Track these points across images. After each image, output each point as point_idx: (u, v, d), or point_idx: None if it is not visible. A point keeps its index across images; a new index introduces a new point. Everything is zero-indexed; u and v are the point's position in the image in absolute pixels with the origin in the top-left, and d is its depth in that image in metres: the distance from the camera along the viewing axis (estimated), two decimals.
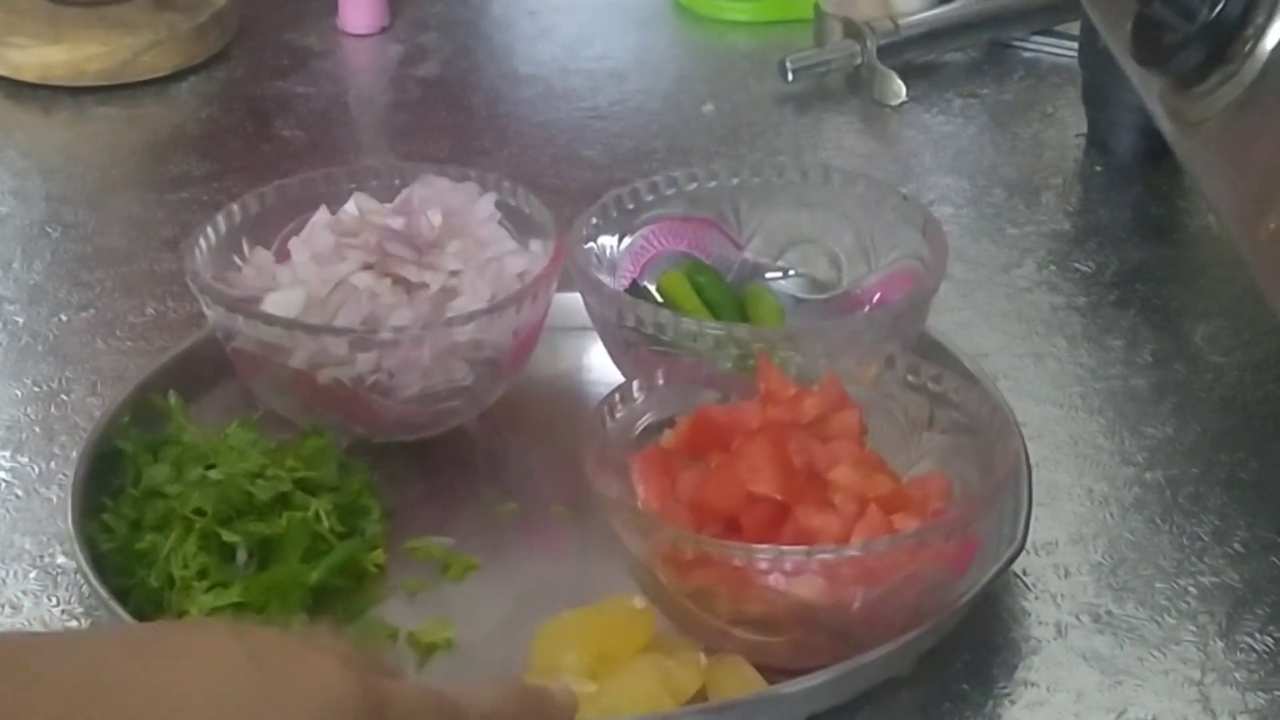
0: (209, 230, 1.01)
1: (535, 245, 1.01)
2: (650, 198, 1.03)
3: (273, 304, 0.97)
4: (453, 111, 1.33)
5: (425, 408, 0.97)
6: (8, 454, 1.00)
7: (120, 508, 0.91)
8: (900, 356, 0.92)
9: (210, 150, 1.28)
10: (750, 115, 1.32)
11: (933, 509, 0.85)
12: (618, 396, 0.91)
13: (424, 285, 0.98)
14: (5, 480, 0.98)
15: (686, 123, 1.31)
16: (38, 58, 1.33)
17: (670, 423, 0.91)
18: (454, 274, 0.99)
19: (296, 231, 1.02)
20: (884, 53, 1.33)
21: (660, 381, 0.91)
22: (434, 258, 0.99)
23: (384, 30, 1.42)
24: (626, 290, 1.00)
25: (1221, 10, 0.91)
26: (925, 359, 0.93)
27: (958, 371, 0.95)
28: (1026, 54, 1.37)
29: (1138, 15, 0.97)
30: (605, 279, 1.00)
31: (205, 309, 0.98)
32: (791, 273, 1.04)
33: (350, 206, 1.02)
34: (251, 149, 1.28)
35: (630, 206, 1.03)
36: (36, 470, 0.99)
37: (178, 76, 1.35)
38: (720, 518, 0.85)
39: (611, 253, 1.02)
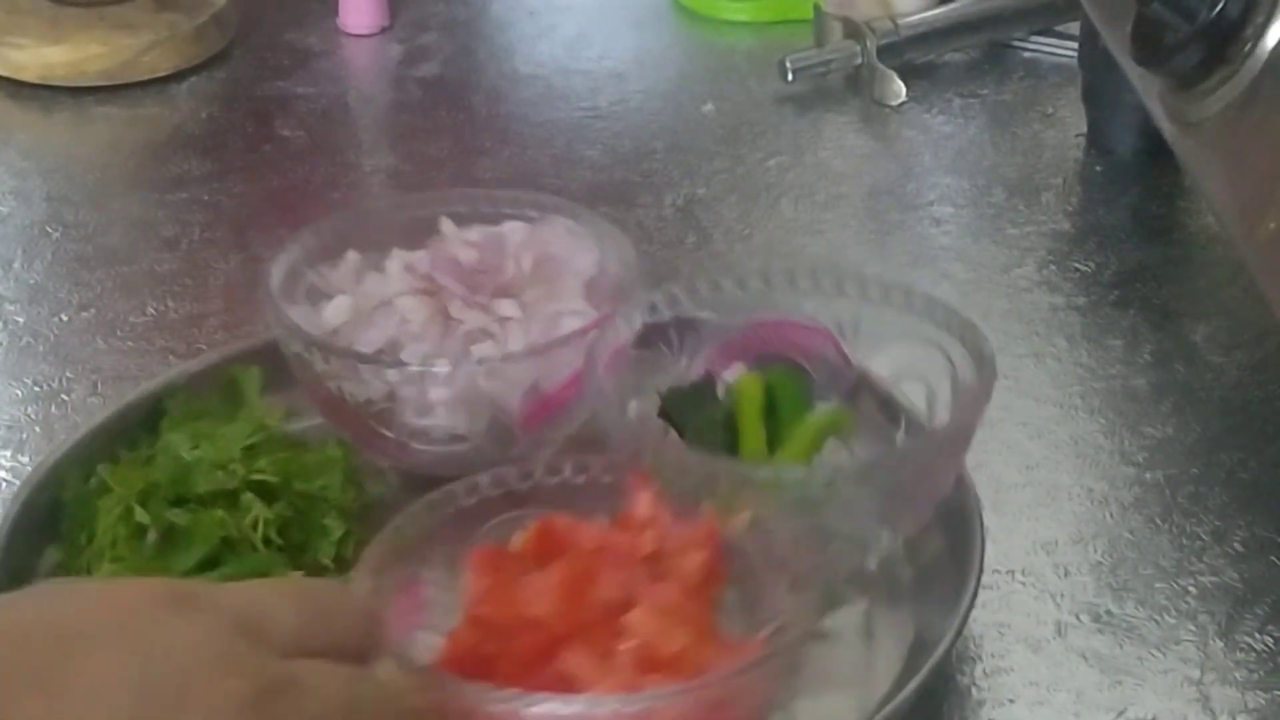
0: (322, 226, 0.98)
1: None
2: (760, 286, 0.93)
3: (329, 309, 0.96)
4: (453, 111, 1.33)
5: (425, 446, 0.94)
6: (8, 454, 1.00)
7: (121, 465, 0.91)
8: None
9: (210, 150, 1.28)
10: (750, 115, 1.32)
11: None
12: (483, 481, 0.83)
13: (460, 322, 0.94)
14: (5, 480, 0.98)
15: (686, 123, 1.31)
16: (38, 58, 1.34)
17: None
18: (503, 320, 0.94)
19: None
20: (884, 53, 1.33)
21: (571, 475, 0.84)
22: (486, 299, 0.95)
23: (384, 30, 1.42)
24: (699, 380, 0.93)
25: (1221, 10, 0.91)
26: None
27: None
28: (1026, 54, 1.37)
29: (1138, 15, 0.97)
30: (668, 352, 0.93)
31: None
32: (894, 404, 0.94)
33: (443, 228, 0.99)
34: (251, 149, 1.28)
35: (739, 291, 0.93)
36: None
37: (178, 76, 1.35)
38: (497, 636, 0.77)
39: (694, 335, 0.93)
